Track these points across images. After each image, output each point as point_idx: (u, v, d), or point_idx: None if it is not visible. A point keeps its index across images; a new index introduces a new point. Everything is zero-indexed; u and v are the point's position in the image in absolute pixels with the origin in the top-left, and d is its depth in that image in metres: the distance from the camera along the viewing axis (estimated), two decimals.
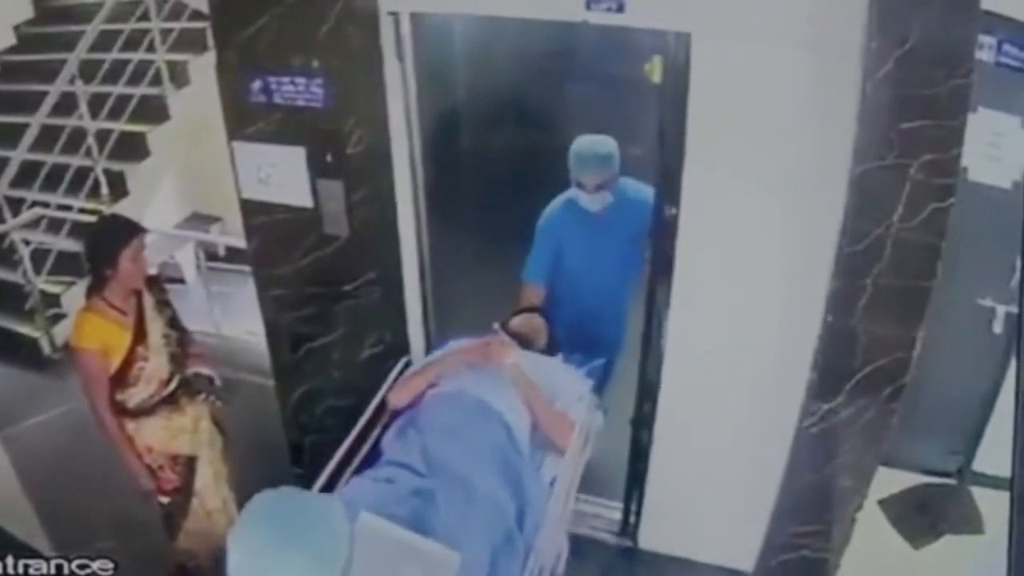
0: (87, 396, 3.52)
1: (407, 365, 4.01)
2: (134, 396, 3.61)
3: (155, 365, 3.63)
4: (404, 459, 3.21)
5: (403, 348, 4.12)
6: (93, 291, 3.53)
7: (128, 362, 3.55)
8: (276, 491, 2.14)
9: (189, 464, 3.82)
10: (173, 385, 3.71)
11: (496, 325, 3.80)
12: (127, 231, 3.50)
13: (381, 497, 2.94)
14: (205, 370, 3.84)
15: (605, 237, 4.21)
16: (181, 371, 3.76)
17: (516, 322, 4.04)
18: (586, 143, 4.06)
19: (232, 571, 2.00)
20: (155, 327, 3.65)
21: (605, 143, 4.05)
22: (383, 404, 3.69)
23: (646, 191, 4.00)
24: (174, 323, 3.77)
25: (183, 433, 3.76)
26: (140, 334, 3.59)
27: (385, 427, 3.61)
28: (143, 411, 3.65)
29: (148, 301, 3.65)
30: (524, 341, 3.87)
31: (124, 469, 3.62)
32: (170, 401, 3.71)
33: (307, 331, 4.13)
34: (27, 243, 6.11)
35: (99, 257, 3.47)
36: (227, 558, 2.01)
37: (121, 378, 3.56)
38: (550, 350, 3.99)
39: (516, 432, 3.36)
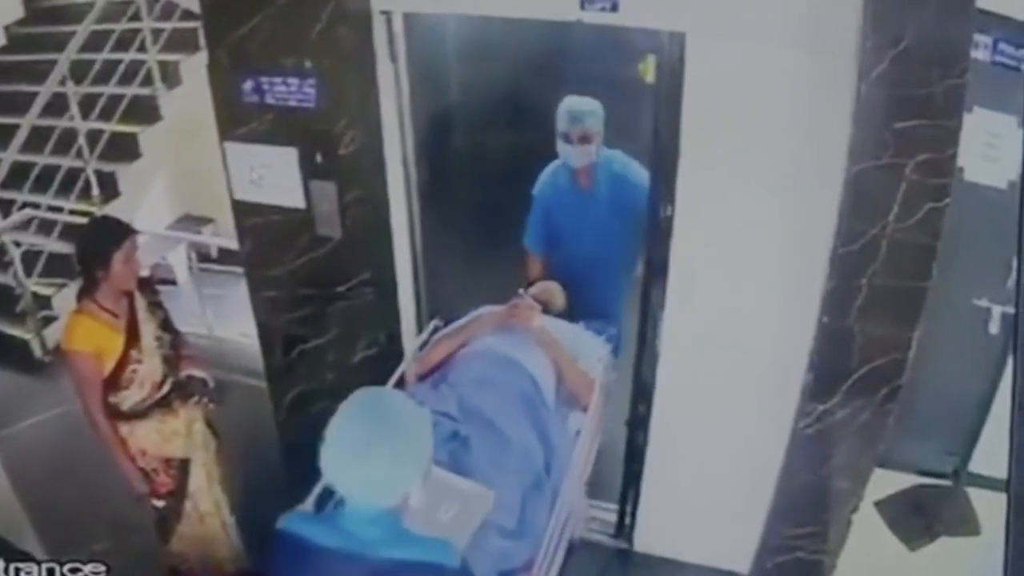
0: (80, 399, 3.48)
1: (435, 330, 4.17)
2: (127, 399, 3.57)
3: (148, 368, 3.59)
4: (440, 408, 3.40)
5: (397, 349, 4.11)
6: (84, 293, 3.49)
7: (121, 365, 3.51)
8: (374, 389, 2.29)
9: (182, 467, 3.78)
10: (166, 388, 3.67)
11: (521, 290, 4.14)
12: (119, 233, 3.46)
13: None
14: (198, 373, 3.80)
15: (592, 204, 4.44)
16: (174, 374, 3.71)
17: (535, 289, 4.32)
18: (571, 99, 4.29)
19: (326, 463, 2.11)
20: (148, 329, 3.60)
21: (589, 101, 4.28)
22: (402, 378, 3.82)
23: (633, 166, 4.28)
24: (167, 325, 3.72)
25: (176, 436, 3.72)
26: (133, 337, 3.55)
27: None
28: (136, 414, 3.60)
29: (140, 303, 3.61)
30: (545, 306, 4.13)
31: (118, 472, 3.60)
32: (163, 404, 3.67)
33: (300, 333, 4.12)
34: (18, 245, 6.08)
35: (91, 259, 3.43)
36: (321, 451, 2.11)
37: (114, 381, 3.51)
38: (570, 316, 4.25)
39: (543, 387, 3.61)
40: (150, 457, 3.69)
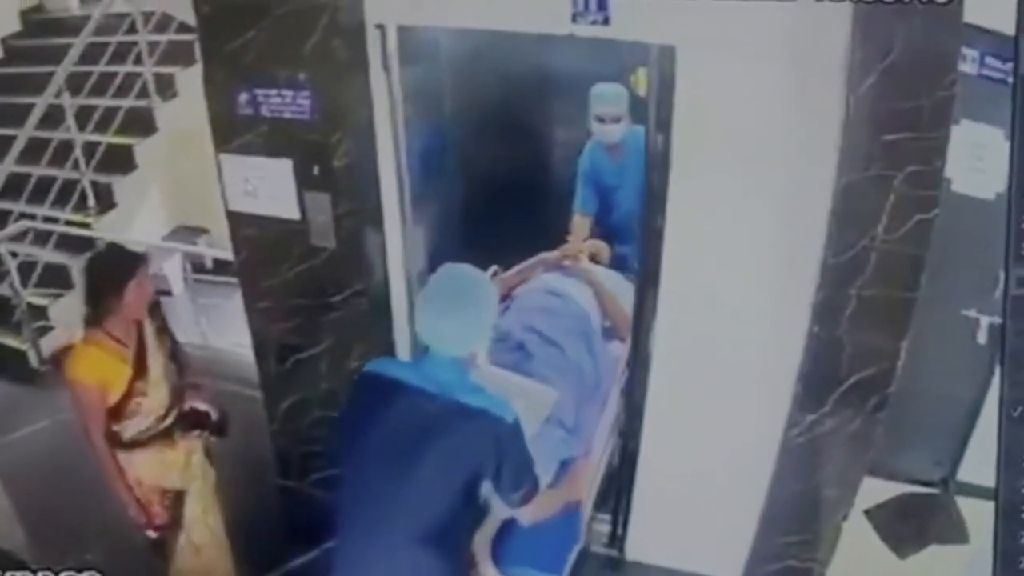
0: (81, 425, 3.41)
1: (495, 274, 4.51)
2: (128, 428, 3.50)
3: (154, 399, 3.52)
4: (505, 328, 4.00)
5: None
6: (92, 322, 3.39)
7: (126, 397, 3.43)
8: (460, 264, 2.82)
9: (177, 498, 3.72)
10: (169, 420, 3.61)
11: (571, 237, 4.78)
12: (132, 262, 3.40)
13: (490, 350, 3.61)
14: (202, 406, 3.73)
15: (623, 171, 4.98)
16: (178, 405, 3.65)
17: (586, 245, 4.86)
18: (601, 85, 4.75)
19: (417, 317, 2.83)
20: (156, 360, 3.52)
21: (616, 86, 4.70)
22: None
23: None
24: (175, 354, 3.65)
25: (174, 467, 3.66)
26: (140, 367, 3.46)
27: None
28: (136, 443, 3.54)
29: (149, 331, 3.53)
30: (592, 259, 4.75)
31: (114, 499, 3.57)
32: (164, 435, 3.61)
33: (295, 343, 4.12)
34: (14, 255, 6.07)
35: (104, 291, 3.35)
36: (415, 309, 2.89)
37: (117, 411, 3.44)
38: (617, 268, 4.83)
39: (590, 316, 4.23)
40: (146, 488, 3.61)
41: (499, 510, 3.16)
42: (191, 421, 3.70)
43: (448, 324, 2.66)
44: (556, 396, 3.60)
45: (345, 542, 2.73)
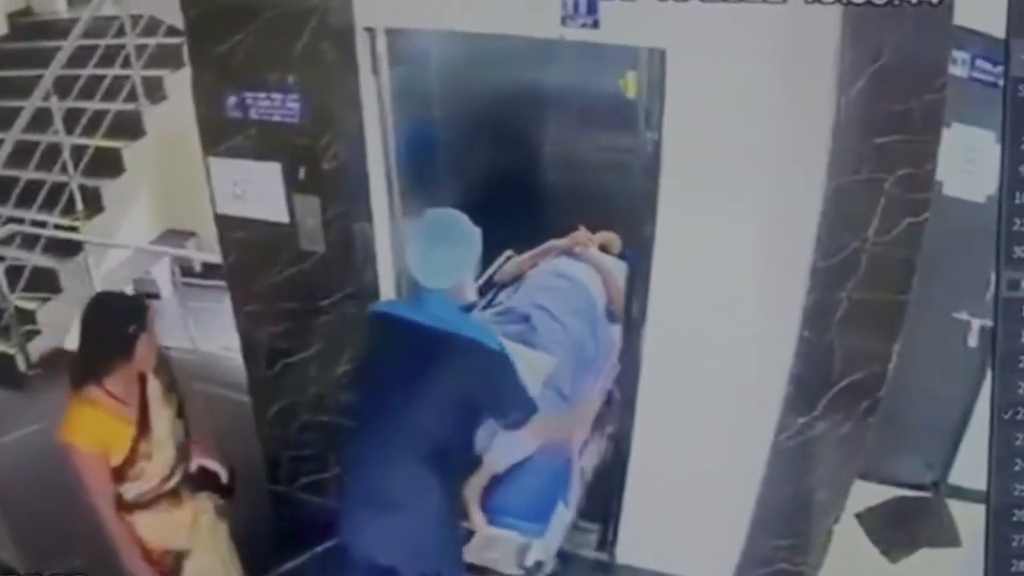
0: (83, 491, 3.09)
1: (509, 258, 4.88)
2: (131, 491, 3.18)
3: (159, 461, 3.20)
4: (513, 303, 4.35)
5: None
6: (89, 378, 3.02)
7: (129, 459, 3.11)
8: (441, 208, 3.20)
9: (179, 554, 3.41)
10: (175, 480, 3.29)
11: (582, 227, 4.83)
12: (137, 313, 3.08)
13: (495, 321, 4.16)
14: (211, 465, 3.41)
15: None
16: (185, 464, 3.33)
17: (598, 236, 4.94)
18: None
19: (408, 255, 3.11)
20: (161, 419, 3.20)
21: None
22: None
23: None
24: (181, 410, 3.32)
25: (181, 528, 3.35)
26: (144, 428, 3.13)
27: None
28: (139, 504, 3.21)
29: (154, 387, 3.19)
30: (604, 248, 4.87)
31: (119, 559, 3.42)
32: (170, 495, 3.28)
33: (283, 347, 4.12)
34: (1, 259, 6.04)
35: (105, 347, 3.02)
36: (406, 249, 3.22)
37: (119, 474, 3.12)
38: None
39: (595, 298, 4.40)
40: (151, 549, 3.30)
41: (491, 462, 3.49)
42: (199, 481, 3.40)
43: (432, 257, 3.02)
44: (555, 362, 3.85)
45: (355, 462, 3.18)
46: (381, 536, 3.13)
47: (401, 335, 3.07)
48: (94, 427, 3.03)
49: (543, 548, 3.56)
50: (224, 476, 3.46)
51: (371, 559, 3.17)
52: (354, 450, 3.19)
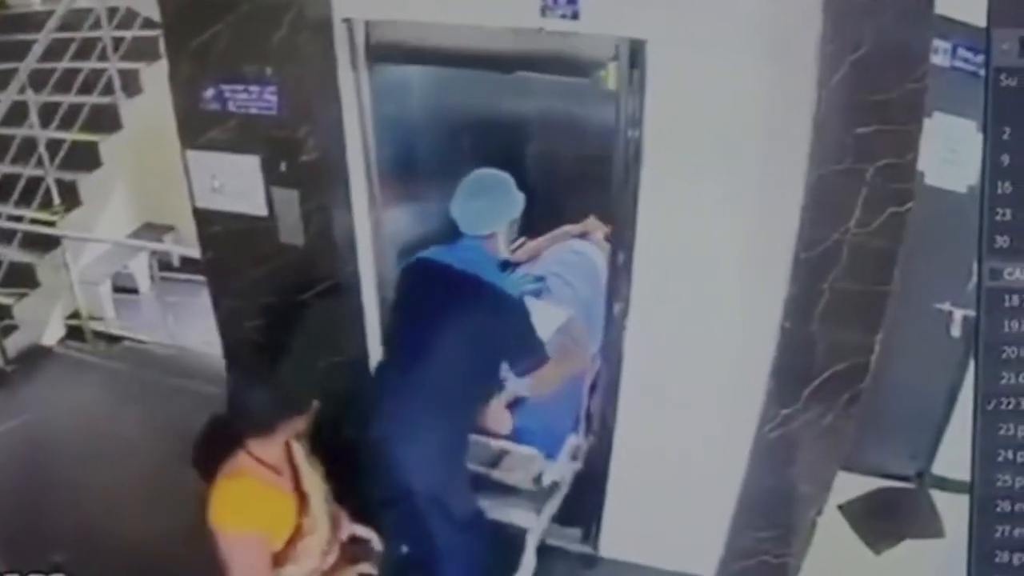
0: None
1: (523, 243, 5.03)
2: (293, 574, 2.83)
3: (320, 536, 2.87)
4: (532, 272, 4.69)
5: (361, 357, 4.08)
6: (232, 442, 2.73)
7: (292, 539, 2.78)
8: (487, 169, 3.60)
9: None
10: (333, 557, 2.96)
11: (591, 216, 5.01)
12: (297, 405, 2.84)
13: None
14: (361, 531, 3.12)
15: None
16: (338, 536, 3.01)
17: (607, 227, 4.98)
18: None
19: (452, 203, 3.53)
20: (314, 486, 2.89)
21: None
22: None
23: None
24: (326, 473, 3.00)
25: None
26: (301, 499, 2.83)
27: None
28: None
29: (298, 450, 2.90)
30: (607, 237, 4.90)
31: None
32: (331, 573, 2.96)
33: (264, 341, 4.09)
34: None
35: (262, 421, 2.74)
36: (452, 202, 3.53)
37: (281, 556, 2.77)
38: None
39: (601, 274, 4.54)
40: None
41: (512, 387, 3.84)
42: (352, 552, 3.09)
43: (472, 206, 3.47)
44: (568, 316, 4.18)
45: (381, 388, 3.49)
46: (401, 457, 3.33)
47: (431, 273, 3.49)
48: (259, 504, 2.69)
49: (558, 469, 3.88)
50: (377, 543, 3.19)
51: (389, 479, 3.38)
52: (382, 375, 3.59)
